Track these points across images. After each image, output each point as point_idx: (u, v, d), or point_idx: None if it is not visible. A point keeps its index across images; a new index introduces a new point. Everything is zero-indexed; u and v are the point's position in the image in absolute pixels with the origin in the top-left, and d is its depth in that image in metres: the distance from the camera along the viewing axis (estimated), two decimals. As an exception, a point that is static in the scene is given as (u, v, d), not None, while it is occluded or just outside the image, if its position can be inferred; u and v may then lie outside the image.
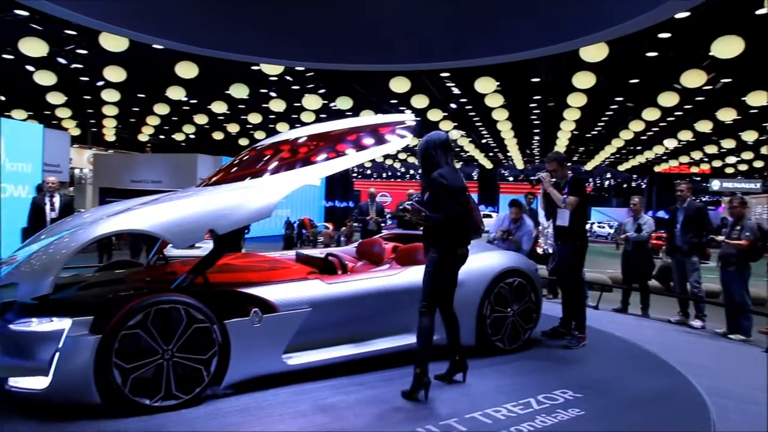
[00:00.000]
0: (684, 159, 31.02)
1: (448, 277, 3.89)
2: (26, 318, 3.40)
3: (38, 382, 3.23)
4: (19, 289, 3.35)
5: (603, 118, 21.70)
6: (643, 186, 45.01)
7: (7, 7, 10.44)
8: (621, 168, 38.82)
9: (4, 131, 12.05)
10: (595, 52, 9.18)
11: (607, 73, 13.64)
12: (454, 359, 4.03)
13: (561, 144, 23.77)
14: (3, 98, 19.88)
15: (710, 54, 9.51)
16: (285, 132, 5.43)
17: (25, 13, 10.75)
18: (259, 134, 23.80)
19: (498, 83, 13.71)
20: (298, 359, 3.92)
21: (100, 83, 15.93)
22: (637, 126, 18.67)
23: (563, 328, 5.52)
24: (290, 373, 3.88)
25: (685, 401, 3.93)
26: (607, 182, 49.88)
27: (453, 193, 3.79)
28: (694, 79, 10.91)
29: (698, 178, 37.44)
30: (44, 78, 13.06)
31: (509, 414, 3.47)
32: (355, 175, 45.55)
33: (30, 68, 14.11)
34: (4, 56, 14.04)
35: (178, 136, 26.51)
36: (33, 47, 10.05)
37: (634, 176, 45.88)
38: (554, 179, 5.42)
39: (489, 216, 37.78)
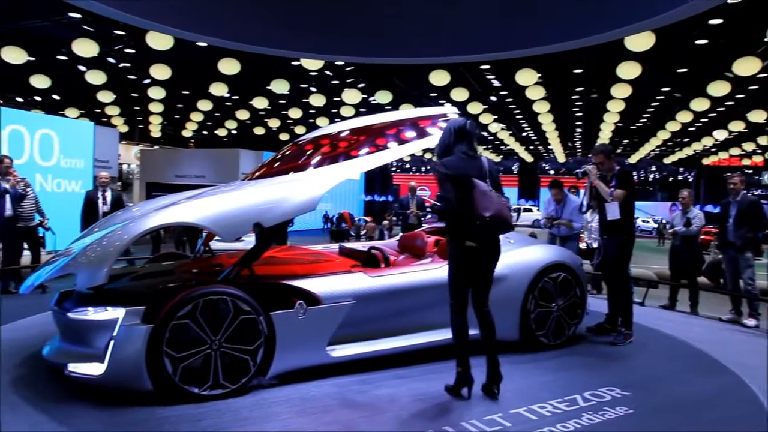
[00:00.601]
0: (735, 151, 29.87)
1: (462, 272, 3.63)
2: (83, 307, 3.55)
3: (95, 369, 3.36)
4: (77, 280, 3.48)
5: (648, 110, 21.09)
6: (690, 179, 43.61)
7: (61, 10, 10.86)
8: (667, 161, 37.71)
9: (59, 129, 12.54)
10: (640, 41, 8.92)
11: (654, 63, 13.22)
12: (488, 364, 3.70)
13: (604, 136, 23.24)
14: (57, 97, 20.67)
15: (765, 40, 9.11)
16: (326, 126, 5.48)
17: (78, 16, 11.15)
18: (299, 129, 24.07)
19: (539, 75, 13.48)
20: (342, 351, 3.95)
21: (147, 81, 16.39)
22: (684, 117, 18.08)
23: (609, 324, 5.41)
24: (333, 365, 3.93)
25: (740, 403, 3.78)
26: (651, 175, 48.54)
27: (448, 180, 3.52)
28: (747, 66, 10.47)
29: (749, 171, 36.00)
30: (95, 77, 13.54)
31: (554, 410, 3.43)
32: (393, 169, 45.56)
33: (82, 68, 14.63)
34: (59, 57, 14.59)
35: (221, 132, 27.05)
36: (85, 48, 10.41)
37: (681, 169, 44.48)
38: (600, 172, 5.30)
39: (529, 210, 37.28)
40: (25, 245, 7.55)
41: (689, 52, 12.85)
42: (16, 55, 11.21)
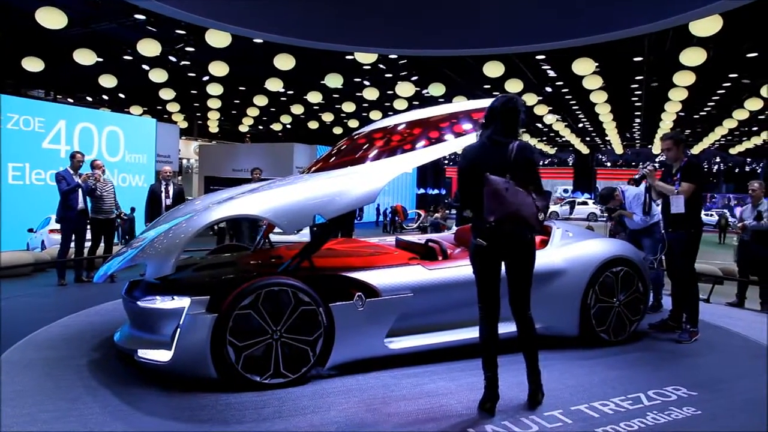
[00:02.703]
0: (810, 140, 28.13)
1: (479, 272, 3.29)
2: (151, 296, 3.71)
3: (162, 355, 3.51)
4: (147, 270, 3.64)
5: (714, 98, 20.16)
6: (759, 170, 41.48)
7: (128, 13, 11.35)
8: (733, 151, 35.91)
9: (124, 126, 13.13)
10: (707, 25, 8.48)
11: (720, 48, 12.60)
12: (528, 377, 3.35)
13: (665, 126, 22.35)
14: (123, 96, 21.60)
15: None
16: (381, 120, 5.50)
17: (143, 17, 11.60)
18: (352, 123, 24.28)
19: (597, 64, 13.07)
20: (400, 344, 3.97)
21: (205, 78, 16.90)
22: (753, 104, 17.15)
23: (673, 321, 5.22)
24: (391, 357, 3.95)
25: (816, 404, 3.58)
26: (716, 167, 46.48)
27: (460, 174, 3.25)
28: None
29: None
30: (157, 76, 14.06)
31: (617, 408, 3.34)
32: (446, 162, 45.32)
33: (145, 67, 15.22)
34: (125, 58, 15.24)
35: (276, 126, 27.61)
36: (149, 48, 10.82)
37: (748, 160, 42.37)
38: (667, 161, 5.10)
39: (585, 203, 36.33)
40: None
41: (760, 35, 12.17)
42: (86, 57, 11.78)
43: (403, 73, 16.91)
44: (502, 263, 3.29)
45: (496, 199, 3.01)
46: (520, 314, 3.31)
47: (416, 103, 19.49)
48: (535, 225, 3.08)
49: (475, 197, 3.12)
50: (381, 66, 16.01)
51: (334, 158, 4.89)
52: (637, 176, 5.20)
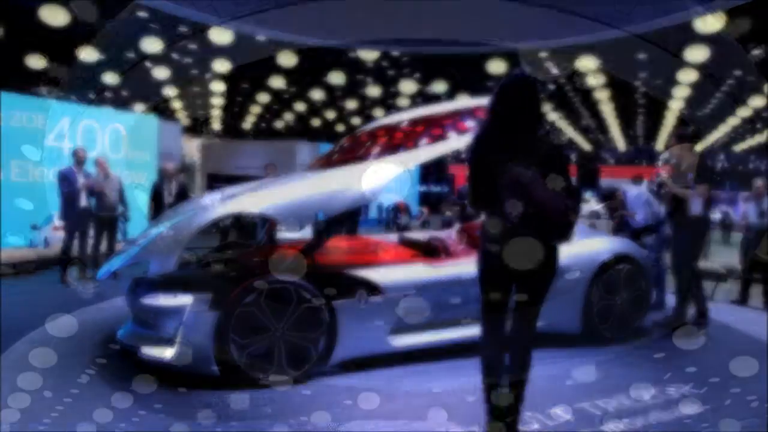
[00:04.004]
0: (814, 138, 27.99)
1: (486, 286, 2.75)
2: (154, 293, 3.71)
3: (165, 352, 3.51)
4: (149, 267, 3.64)
5: (717, 95, 20.05)
6: (763, 168, 41.31)
7: (131, 10, 11.34)
8: (736, 149, 35.74)
9: (127, 123, 13.14)
10: (711, 22, 8.45)
11: (724, 45, 12.53)
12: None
13: (668, 124, 22.28)
14: (126, 93, 21.59)
15: None
16: (383, 117, 5.49)
17: (146, 15, 11.61)
18: (355, 120, 24.23)
19: (600, 61, 13.02)
20: (403, 341, 3.97)
21: (208, 75, 16.87)
22: (757, 102, 17.07)
23: (677, 318, 5.20)
24: (394, 354, 3.95)
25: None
26: (719, 164, 46.33)
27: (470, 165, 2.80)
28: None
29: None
30: (160, 73, 14.04)
31: (620, 406, 3.33)
32: (449, 159, 45.21)
33: (148, 65, 15.21)
34: (128, 54, 15.21)
35: (278, 124, 27.57)
36: (152, 45, 10.80)
37: (752, 157, 42.19)
38: (676, 159, 5.08)
39: (586, 201, 36.23)
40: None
41: (765, 33, 12.09)
42: (90, 54, 11.77)
43: (406, 71, 16.88)
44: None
45: (518, 191, 2.52)
46: (516, 342, 2.70)
47: (419, 100, 19.45)
48: (562, 228, 2.58)
49: (490, 194, 2.63)
50: (384, 63, 15.98)
51: (337, 155, 4.89)
52: (655, 186, 5.18)
